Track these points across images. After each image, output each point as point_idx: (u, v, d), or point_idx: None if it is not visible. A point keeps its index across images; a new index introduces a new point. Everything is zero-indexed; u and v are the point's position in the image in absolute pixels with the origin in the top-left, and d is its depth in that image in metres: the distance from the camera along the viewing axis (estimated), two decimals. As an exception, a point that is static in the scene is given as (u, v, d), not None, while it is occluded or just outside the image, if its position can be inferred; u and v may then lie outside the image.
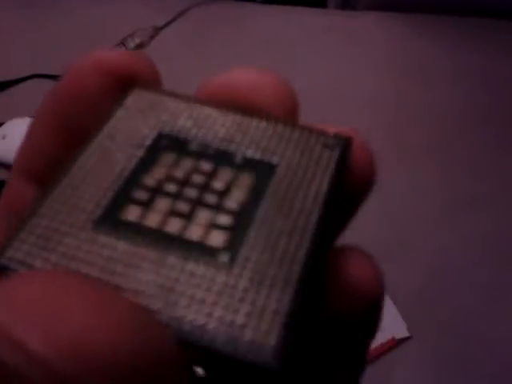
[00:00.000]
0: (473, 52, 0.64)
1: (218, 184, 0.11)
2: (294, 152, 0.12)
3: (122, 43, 0.63)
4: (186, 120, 0.12)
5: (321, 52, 0.65)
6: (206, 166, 0.11)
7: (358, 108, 0.58)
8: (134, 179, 0.11)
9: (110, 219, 0.10)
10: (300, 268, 0.10)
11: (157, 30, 0.65)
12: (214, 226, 0.10)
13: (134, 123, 0.12)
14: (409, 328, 0.43)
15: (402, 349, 0.43)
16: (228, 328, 0.09)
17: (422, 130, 0.57)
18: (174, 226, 0.10)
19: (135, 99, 0.12)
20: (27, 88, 0.59)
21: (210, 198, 0.11)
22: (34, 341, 0.07)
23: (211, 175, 0.11)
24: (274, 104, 0.12)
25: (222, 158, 0.11)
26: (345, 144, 0.12)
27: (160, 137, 0.12)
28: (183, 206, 0.10)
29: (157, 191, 0.11)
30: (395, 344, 0.43)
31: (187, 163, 0.11)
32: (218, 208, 0.11)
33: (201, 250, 0.10)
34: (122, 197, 0.11)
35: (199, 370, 0.10)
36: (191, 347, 0.09)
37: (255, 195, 0.11)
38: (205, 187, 0.11)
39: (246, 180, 0.11)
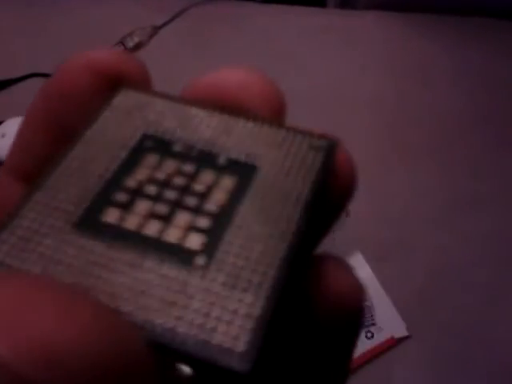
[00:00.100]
0: (473, 52, 0.64)
1: (199, 186, 0.11)
2: (278, 153, 0.12)
3: (121, 42, 0.63)
4: (172, 121, 0.12)
5: (320, 51, 0.65)
6: (189, 167, 0.11)
7: (358, 108, 0.58)
8: (115, 181, 0.11)
9: (90, 221, 0.10)
10: (275, 273, 0.10)
11: (155, 30, 0.65)
12: (192, 228, 0.10)
13: (119, 124, 0.12)
14: (408, 327, 0.43)
15: (401, 348, 0.43)
16: (198, 331, 0.09)
17: (422, 130, 0.57)
18: (152, 228, 0.10)
19: (122, 99, 0.12)
20: (27, 87, 0.59)
21: (190, 201, 0.11)
22: None
23: (193, 177, 0.11)
24: (260, 104, 0.12)
25: (205, 159, 0.11)
26: (331, 146, 0.12)
27: (144, 138, 0.12)
28: (163, 208, 0.10)
29: (137, 193, 0.11)
30: (394, 343, 0.43)
31: (170, 165, 0.11)
32: (197, 210, 0.10)
33: (178, 252, 0.10)
34: (103, 199, 0.11)
35: (186, 369, 0.10)
36: (163, 349, 0.09)
37: (236, 198, 0.11)
38: (186, 189, 0.11)
39: (227, 182, 0.11)
